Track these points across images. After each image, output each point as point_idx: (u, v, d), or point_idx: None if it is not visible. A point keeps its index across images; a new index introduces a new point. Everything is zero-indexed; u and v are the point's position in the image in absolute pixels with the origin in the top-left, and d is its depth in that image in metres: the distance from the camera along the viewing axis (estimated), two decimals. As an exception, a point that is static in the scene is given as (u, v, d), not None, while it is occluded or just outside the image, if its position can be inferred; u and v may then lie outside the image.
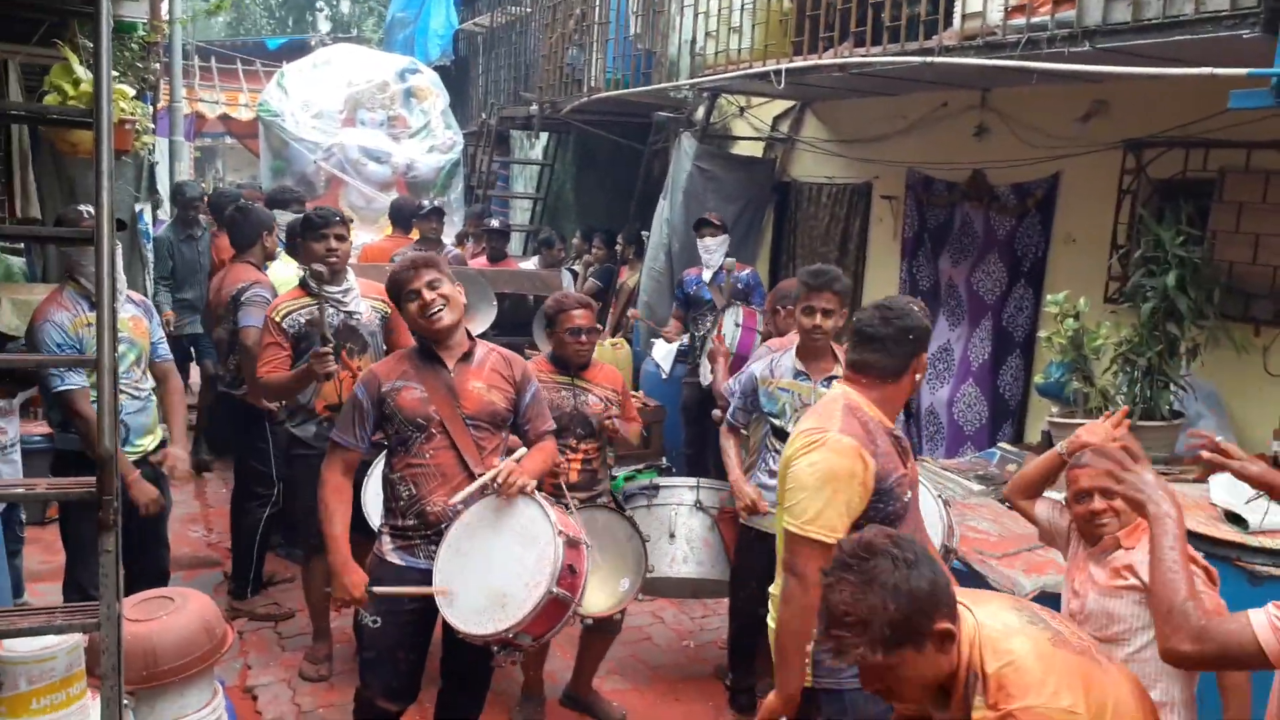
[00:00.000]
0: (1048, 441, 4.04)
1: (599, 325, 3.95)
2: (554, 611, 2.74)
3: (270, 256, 5.14)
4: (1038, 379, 4.33)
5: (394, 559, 2.96)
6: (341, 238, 4.08)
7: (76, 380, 3.55)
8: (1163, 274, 3.93)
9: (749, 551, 3.73)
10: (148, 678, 2.88)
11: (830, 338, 3.57)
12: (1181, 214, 4.07)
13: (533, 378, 3.19)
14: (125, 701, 2.60)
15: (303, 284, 4.06)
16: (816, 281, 3.55)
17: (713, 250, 5.98)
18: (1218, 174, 4.36)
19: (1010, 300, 5.37)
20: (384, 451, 3.20)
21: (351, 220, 4.58)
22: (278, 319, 3.96)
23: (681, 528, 4.02)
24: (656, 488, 4.13)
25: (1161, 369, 3.88)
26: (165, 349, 4.00)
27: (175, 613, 3.13)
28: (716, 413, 4.60)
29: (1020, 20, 4.11)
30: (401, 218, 7.17)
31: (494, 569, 2.77)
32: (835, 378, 3.42)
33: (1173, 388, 3.93)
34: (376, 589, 2.90)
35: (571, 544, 2.79)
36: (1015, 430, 5.31)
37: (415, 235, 7.01)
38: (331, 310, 3.95)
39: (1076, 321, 4.01)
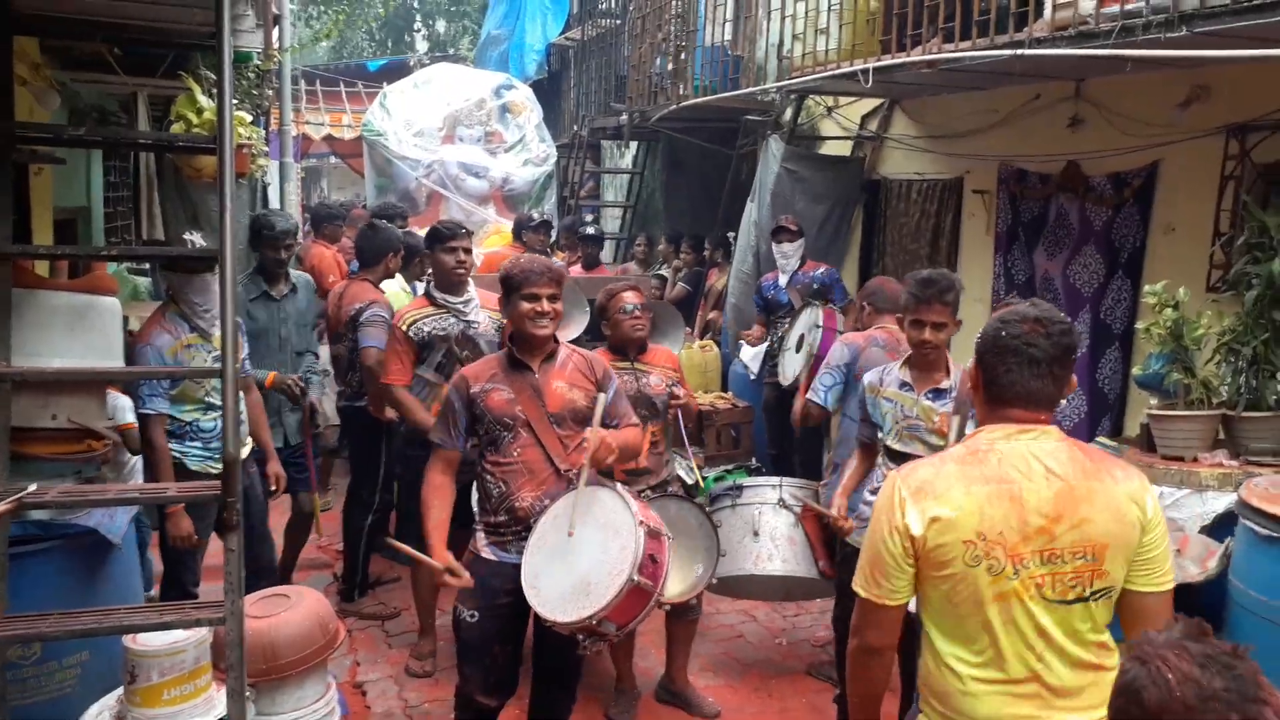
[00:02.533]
0: (1147, 434, 3.95)
1: (649, 308, 4.13)
2: (636, 600, 2.81)
3: (390, 275, 5.33)
4: (1136, 371, 4.22)
5: (488, 554, 3.10)
6: (469, 250, 4.41)
7: (158, 405, 3.71)
8: (1268, 260, 3.80)
9: (846, 567, 3.70)
10: (267, 671, 3.03)
11: (941, 350, 3.39)
12: (1288, 199, 3.93)
13: (613, 376, 3.31)
14: (247, 694, 2.78)
15: (427, 294, 4.39)
16: (925, 293, 3.33)
17: (789, 255, 6.07)
18: (1328, 156, 4.20)
19: (1108, 292, 5.25)
20: None
21: (471, 234, 4.81)
22: (404, 328, 4.26)
23: (765, 526, 4.07)
24: (740, 488, 4.21)
25: (1268, 358, 3.76)
26: (249, 364, 4.25)
27: (292, 609, 3.32)
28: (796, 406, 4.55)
29: (1114, 8, 4.02)
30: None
31: (579, 558, 2.87)
32: (943, 391, 3.33)
33: (1279, 377, 3.80)
34: (461, 578, 3.00)
35: (653, 534, 2.88)
36: (1114, 424, 5.18)
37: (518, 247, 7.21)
38: (452, 320, 4.21)
39: (1176, 311, 3.91)
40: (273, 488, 4.29)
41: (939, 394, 3.33)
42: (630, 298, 4.03)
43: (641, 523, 2.84)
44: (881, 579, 1.98)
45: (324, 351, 5.53)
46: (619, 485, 3.02)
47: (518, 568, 2.97)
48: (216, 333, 3.92)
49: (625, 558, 2.79)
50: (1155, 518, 1.96)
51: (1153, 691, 1.38)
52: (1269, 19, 3.49)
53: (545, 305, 3.09)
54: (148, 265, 6.57)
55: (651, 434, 3.94)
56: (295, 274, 4.90)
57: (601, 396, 3.14)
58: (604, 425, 3.19)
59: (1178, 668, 1.38)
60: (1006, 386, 1.96)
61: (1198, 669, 1.37)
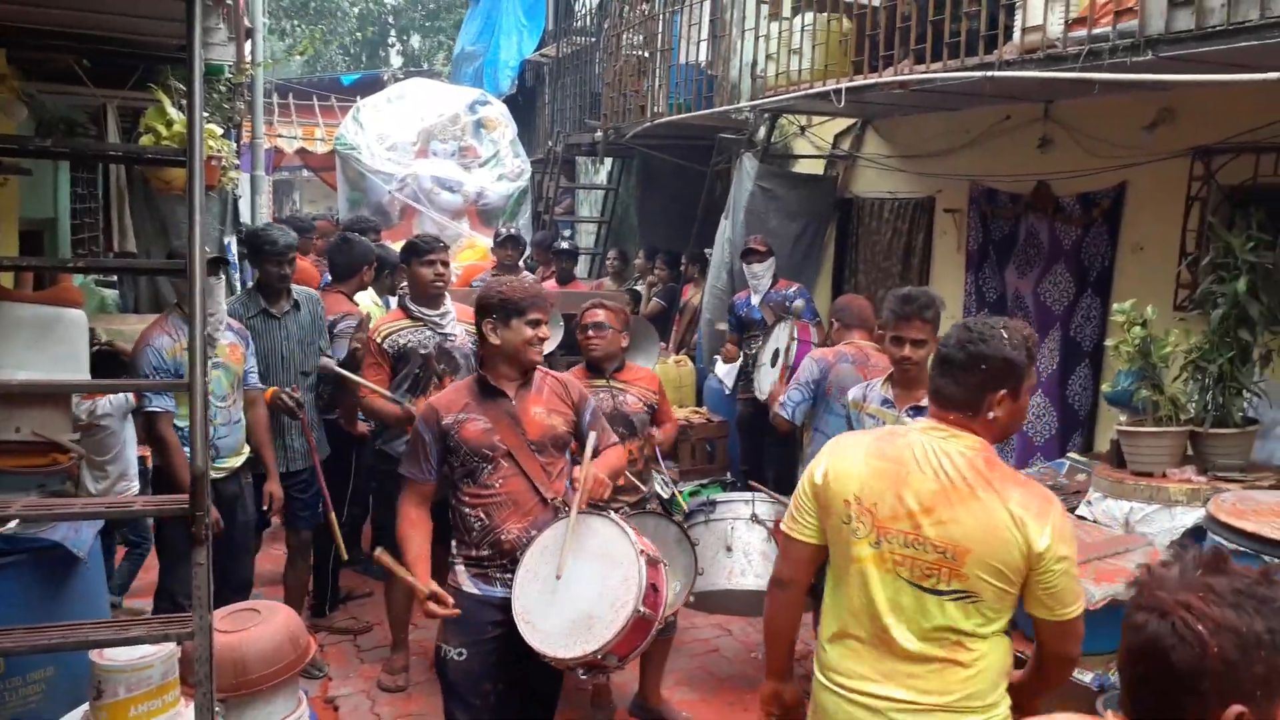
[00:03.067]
0: (1117, 450, 4.00)
1: (617, 326, 4.05)
2: (639, 630, 2.75)
3: (364, 288, 5.29)
4: (1106, 388, 4.27)
5: (471, 588, 2.97)
6: (446, 263, 4.38)
7: (164, 403, 3.75)
8: (1233, 280, 3.86)
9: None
10: (236, 686, 2.99)
11: (922, 367, 3.41)
12: (1252, 220, 4.00)
13: (589, 397, 3.24)
14: (216, 709, 2.74)
15: (402, 305, 4.37)
16: (905, 310, 3.41)
17: (759, 275, 6.12)
18: (1290, 178, 4.29)
19: (1078, 310, 5.32)
20: None
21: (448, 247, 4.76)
22: (379, 340, 4.24)
23: (738, 541, 4.02)
24: (714, 504, 4.19)
25: (1234, 375, 3.81)
26: (255, 377, 4.24)
27: (262, 624, 3.28)
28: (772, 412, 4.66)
29: (1081, 32, 4.09)
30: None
31: (577, 591, 2.78)
32: (923, 408, 3.30)
33: (1245, 394, 3.86)
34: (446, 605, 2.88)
35: (652, 563, 2.82)
36: (1085, 440, 5.24)
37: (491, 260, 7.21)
38: (428, 333, 4.18)
39: (1144, 329, 3.96)
40: (265, 506, 4.25)
41: (919, 411, 3.35)
42: (596, 315, 4.01)
43: (642, 552, 2.78)
44: (795, 515, 2.26)
45: None
46: (613, 513, 2.94)
47: (505, 601, 2.87)
48: (220, 340, 3.91)
49: (629, 589, 2.72)
50: (1049, 554, 2.01)
51: (1183, 651, 1.13)
52: (1231, 44, 3.56)
53: (544, 331, 3.04)
54: (115, 277, 6.49)
55: (629, 452, 3.93)
56: (298, 289, 4.70)
57: (593, 435, 3.07)
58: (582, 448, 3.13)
59: (1207, 614, 1.13)
60: (931, 385, 2.20)
61: (1231, 611, 1.13)
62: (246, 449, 4.16)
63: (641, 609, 2.69)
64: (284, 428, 4.46)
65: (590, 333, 4.00)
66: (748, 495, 4.22)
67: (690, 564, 3.72)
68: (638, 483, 3.94)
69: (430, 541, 3.01)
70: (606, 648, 2.67)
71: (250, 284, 4.65)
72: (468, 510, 2.99)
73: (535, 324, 3.00)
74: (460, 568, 3.02)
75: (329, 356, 4.60)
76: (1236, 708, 1.11)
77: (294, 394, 4.34)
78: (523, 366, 3.04)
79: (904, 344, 3.40)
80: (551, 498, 2.99)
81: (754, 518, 4.10)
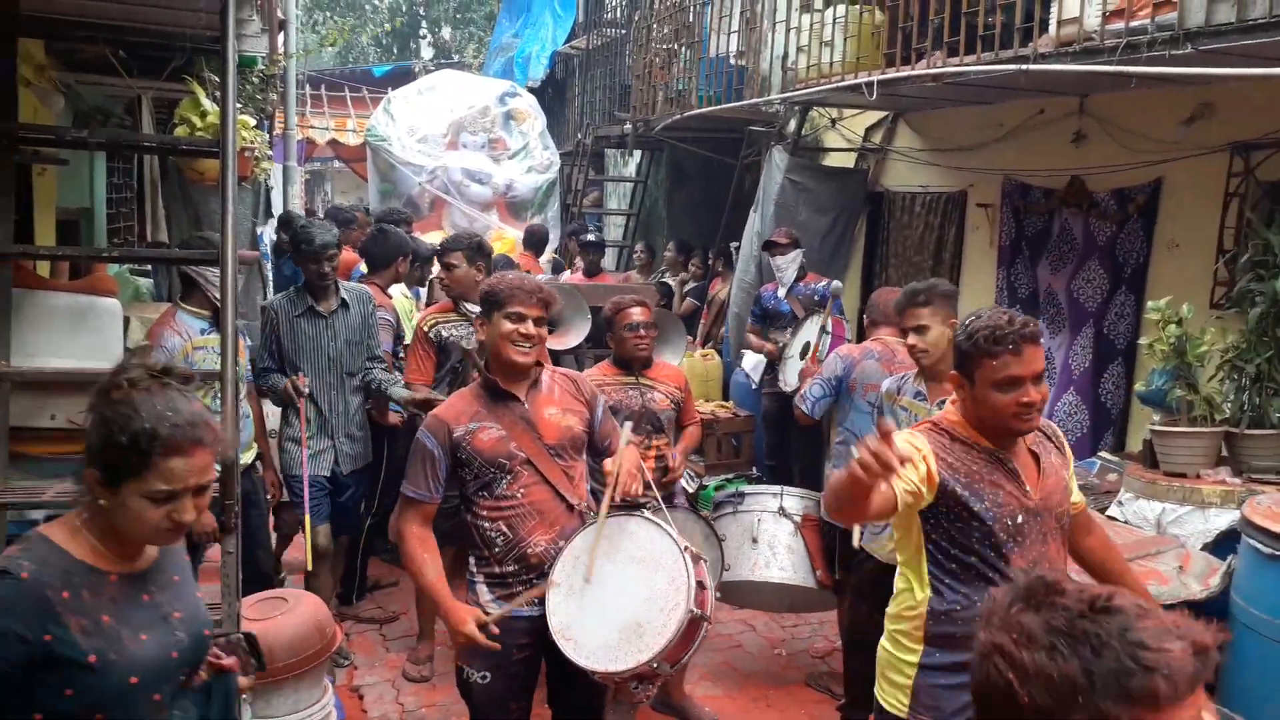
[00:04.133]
0: (1150, 450, 3.94)
1: (655, 325, 4.15)
2: (692, 632, 2.60)
3: (399, 279, 5.31)
4: (1139, 387, 4.21)
5: (495, 609, 2.75)
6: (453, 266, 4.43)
7: None
8: (1272, 278, 3.80)
9: (860, 573, 3.70)
10: (263, 674, 3.05)
11: (933, 356, 3.39)
12: (1292, 217, 3.93)
13: (599, 394, 3.09)
14: (243, 696, 2.77)
15: (452, 298, 4.45)
16: (907, 301, 3.47)
17: (784, 268, 6.05)
18: (1333, 174, 4.20)
19: (1111, 307, 5.24)
20: None
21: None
22: (426, 329, 4.33)
23: (765, 534, 4.05)
24: (742, 495, 4.22)
25: (1271, 375, 3.75)
26: (249, 372, 4.26)
27: (289, 612, 3.31)
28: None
29: (1119, 25, 4.03)
30: (534, 241, 7.45)
31: (621, 599, 2.62)
32: None
33: (1282, 396, 3.79)
34: (492, 615, 2.72)
35: (695, 559, 2.69)
36: (1117, 439, 5.17)
37: (545, 259, 7.27)
38: (470, 329, 4.26)
39: (1179, 328, 3.90)
40: (269, 495, 4.29)
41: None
42: (637, 314, 3.99)
43: (686, 548, 2.65)
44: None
45: None
46: (647, 511, 2.78)
47: (533, 621, 2.72)
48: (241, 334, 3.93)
49: (679, 589, 2.57)
50: None
51: (998, 698, 1.04)
52: (1274, 37, 3.49)
53: (530, 328, 2.77)
54: (150, 266, 6.57)
55: (656, 449, 3.93)
56: (350, 286, 4.54)
57: (627, 428, 2.96)
58: (600, 449, 2.99)
59: (1015, 661, 1.03)
60: None
61: (1043, 655, 1.01)
62: (255, 445, 4.20)
63: (694, 609, 2.55)
64: (333, 430, 4.35)
65: (641, 332, 3.99)
66: (776, 489, 4.23)
67: (718, 559, 3.73)
68: (658, 479, 3.94)
69: (440, 559, 2.82)
70: (661, 655, 2.51)
71: (299, 282, 4.55)
72: (487, 524, 2.77)
73: (518, 318, 2.76)
74: (482, 586, 2.81)
75: (392, 375, 4.48)
76: None
77: (299, 383, 4.19)
78: (504, 366, 2.81)
79: (908, 333, 3.44)
80: (577, 503, 2.83)
81: (781, 511, 4.11)
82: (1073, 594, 1.07)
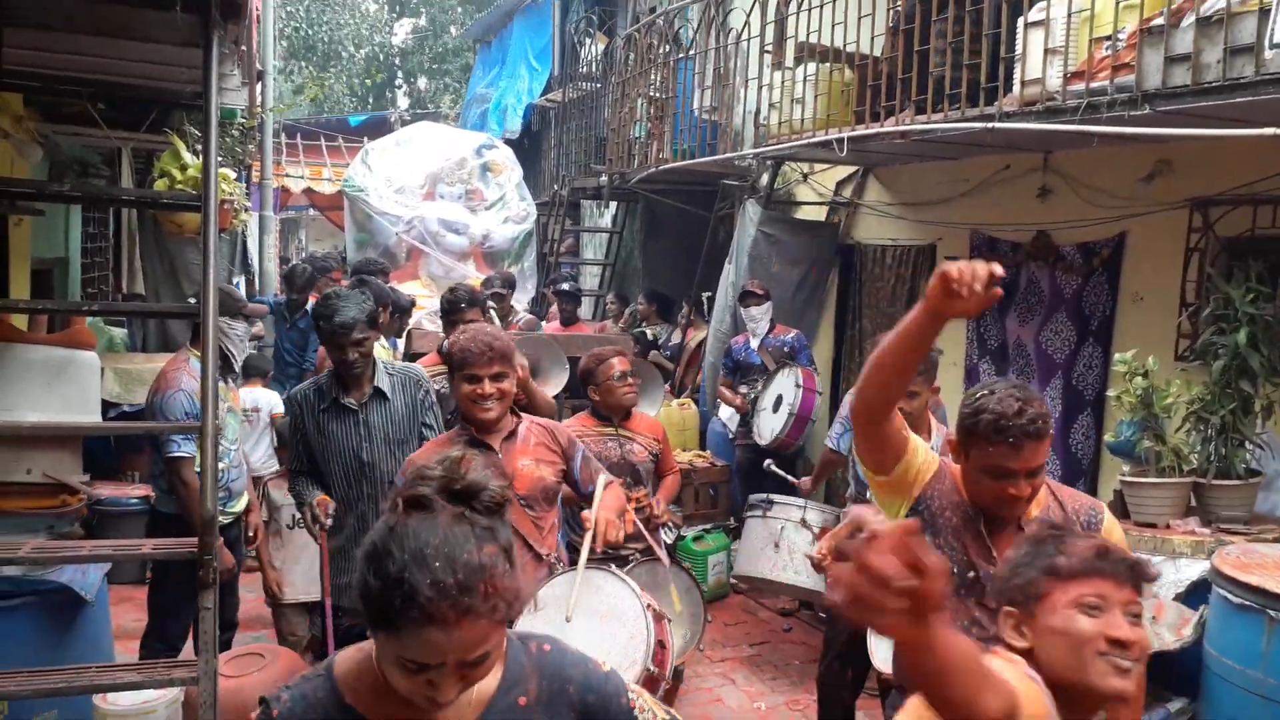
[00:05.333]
0: (1121, 501, 4.01)
1: (636, 373, 4.27)
2: (647, 689, 2.69)
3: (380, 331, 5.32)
4: (1108, 438, 4.29)
5: None
6: (473, 321, 4.39)
7: (190, 449, 3.72)
8: (1233, 332, 3.90)
9: (835, 623, 3.74)
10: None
11: (916, 411, 3.50)
12: (1250, 272, 4.05)
13: (577, 442, 3.16)
14: (219, 753, 2.73)
15: (441, 352, 4.39)
16: None
17: (758, 319, 6.17)
18: (1288, 231, 4.34)
19: (1079, 359, 5.35)
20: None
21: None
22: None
23: (785, 540, 4.71)
24: (771, 501, 4.85)
25: (1236, 427, 3.83)
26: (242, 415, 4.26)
27: (265, 669, 3.29)
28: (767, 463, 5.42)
29: (1080, 85, 4.17)
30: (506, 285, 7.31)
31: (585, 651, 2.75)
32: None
33: (1248, 445, 3.88)
34: None
35: (658, 618, 2.76)
36: (1088, 488, 5.24)
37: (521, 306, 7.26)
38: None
39: (1146, 380, 3.99)
40: (251, 534, 4.25)
41: None
42: (619, 365, 4.07)
43: (649, 606, 2.73)
44: None
45: None
46: (614, 567, 2.89)
47: None
48: (233, 384, 3.92)
49: (637, 647, 2.66)
50: None
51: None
52: (1227, 100, 3.63)
53: (487, 387, 2.87)
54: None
55: (636, 500, 3.95)
56: (396, 367, 3.82)
57: (602, 477, 2.99)
58: (584, 494, 3.03)
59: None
60: None
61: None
62: (246, 494, 4.18)
63: (650, 667, 2.64)
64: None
65: (630, 380, 4.09)
66: (801, 501, 4.85)
67: (699, 612, 3.73)
68: (644, 530, 3.94)
69: None
70: None
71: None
72: None
73: (474, 379, 2.86)
74: None
75: None
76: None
77: (321, 511, 3.44)
78: (472, 423, 2.90)
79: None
80: (546, 554, 2.89)
81: (803, 522, 4.72)
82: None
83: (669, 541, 4.37)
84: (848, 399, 4.33)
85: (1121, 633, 1.59)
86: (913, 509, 2.26)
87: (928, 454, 2.27)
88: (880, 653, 3.30)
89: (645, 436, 4.14)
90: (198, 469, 3.66)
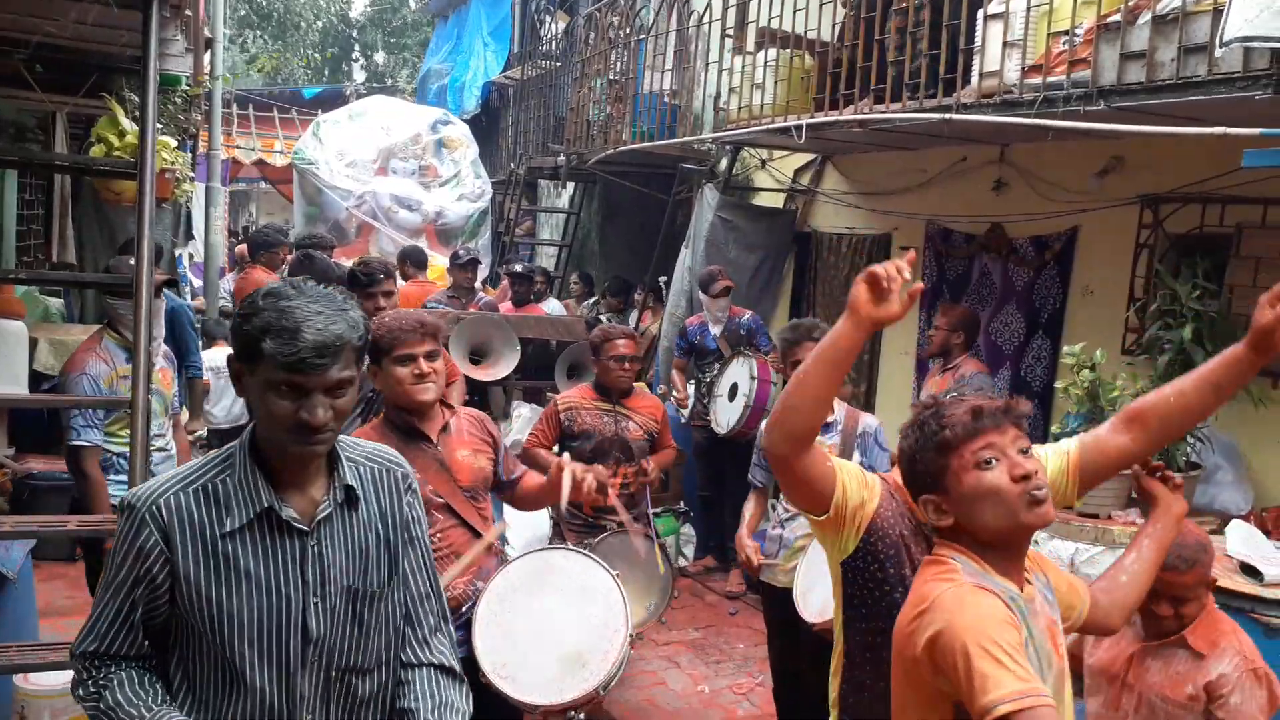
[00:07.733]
0: (1064, 493, 4.04)
1: (640, 357, 4.24)
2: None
3: None
4: (1055, 429, 4.33)
5: None
6: (389, 293, 4.28)
7: (93, 438, 3.53)
8: (1179, 327, 3.95)
9: (770, 604, 3.72)
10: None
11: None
12: (1198, 269, 4.10)
13: (498, 429, 3.09)
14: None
15: None
16: (802, 336, 3.50)
17: (724, 309, 6.15)
18: (1235, 230, 4.39)
19: (1029, 351, 5.40)
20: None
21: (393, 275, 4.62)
22: None
23: None
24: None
25: (1178, 422, 3.88)
26: (178, 403, 4.14)
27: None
28: None
29: (1037, 79, 4.18)
30: (417, 262, 7.16)
31: (556, 632, 2.68)
32: (829, 425, 3.49)
33: (1189, 440, 3.93)
34: None
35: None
36: (1034, 481, 5.30)
37: (447, 281, 7.09)
38: None
39: (1093, 373, 4.02)
40: None
41: (826, 428, 3.46)
42: (623, 347, 4.10)
43: (617, 574, 2.77)
44: None
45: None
46: (568, 544, 2.92)
47: (464, 663, 2.67)
48: (158, 363, 3.77)
49: (616, 614, 2.68)
50: None
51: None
52: (1180, 98, 3.66)
53: (424, 365, 2.74)
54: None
55: (624, 476, 3.94)
56: (365, 447, 3.74)
57: (567, 471, 2.76)
58: (504, 484, 2.99)
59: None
60: None
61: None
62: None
63: (632, 632, 2.71)
64: None
65: (626, 365, 4.10)
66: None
67: (668, 587, 3.74)
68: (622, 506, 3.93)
69: None
70: (609, 680, 2.60)
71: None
72: None
73: (407, 360, 2.72)
74: None
75: None
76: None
77: None
78: (410, 409, 2.77)
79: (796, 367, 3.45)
80: (492, 544, 2.86)
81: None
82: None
83: (657, 512, 4.41)
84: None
85: (1023, 468, 1.73)
86: (864, 539, 2.08)
87: (861, 474, 2.10)
88: (813, 607, 3.24)
89: (643, 415, 4.18)
90: (122, 450, 3.53)
